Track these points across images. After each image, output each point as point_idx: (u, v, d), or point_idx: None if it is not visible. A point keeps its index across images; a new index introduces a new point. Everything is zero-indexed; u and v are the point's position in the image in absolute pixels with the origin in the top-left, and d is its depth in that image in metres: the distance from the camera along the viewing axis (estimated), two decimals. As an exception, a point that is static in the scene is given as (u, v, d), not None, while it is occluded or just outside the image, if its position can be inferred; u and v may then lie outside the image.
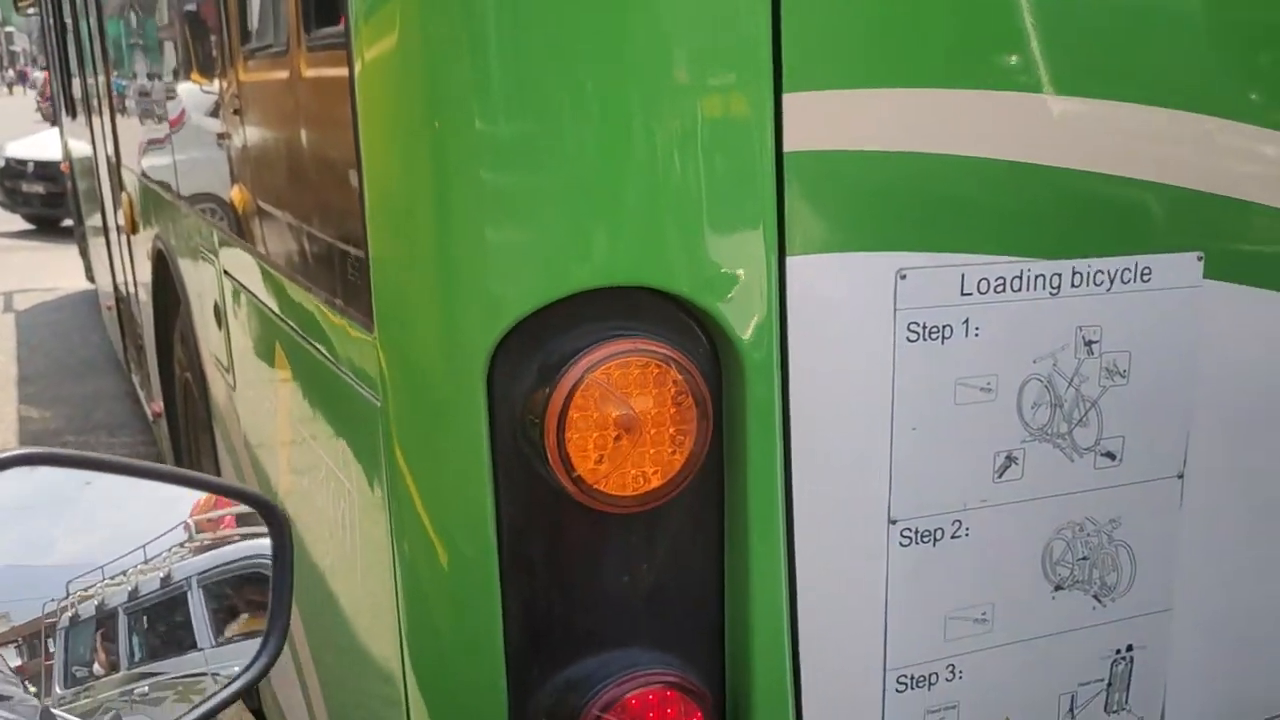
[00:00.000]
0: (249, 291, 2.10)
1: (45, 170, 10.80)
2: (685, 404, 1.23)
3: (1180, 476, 1.53)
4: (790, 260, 1.28)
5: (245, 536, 0.77)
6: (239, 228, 2.13)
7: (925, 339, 1.36)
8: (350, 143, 1.31)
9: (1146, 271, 1.44)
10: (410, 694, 1.34)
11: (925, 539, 1.41)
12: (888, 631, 1.42)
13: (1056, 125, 1.38)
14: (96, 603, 0.71)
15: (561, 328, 1.21)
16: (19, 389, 6.25)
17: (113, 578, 0.71)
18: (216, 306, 2.44)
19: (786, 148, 1.25)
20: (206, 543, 0.76)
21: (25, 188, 11.26)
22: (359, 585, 1.56)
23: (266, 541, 0.77)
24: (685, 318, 1.27)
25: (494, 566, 1.26)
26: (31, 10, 8.60)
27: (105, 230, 5.36)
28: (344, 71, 1.30)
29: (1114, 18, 1.38)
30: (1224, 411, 1.54)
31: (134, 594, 0.73)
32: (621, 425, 1.21)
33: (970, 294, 1.37)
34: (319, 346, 1.61)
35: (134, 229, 3.93)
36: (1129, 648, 1.56)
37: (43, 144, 11.09)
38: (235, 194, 2.15)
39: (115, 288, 5.33)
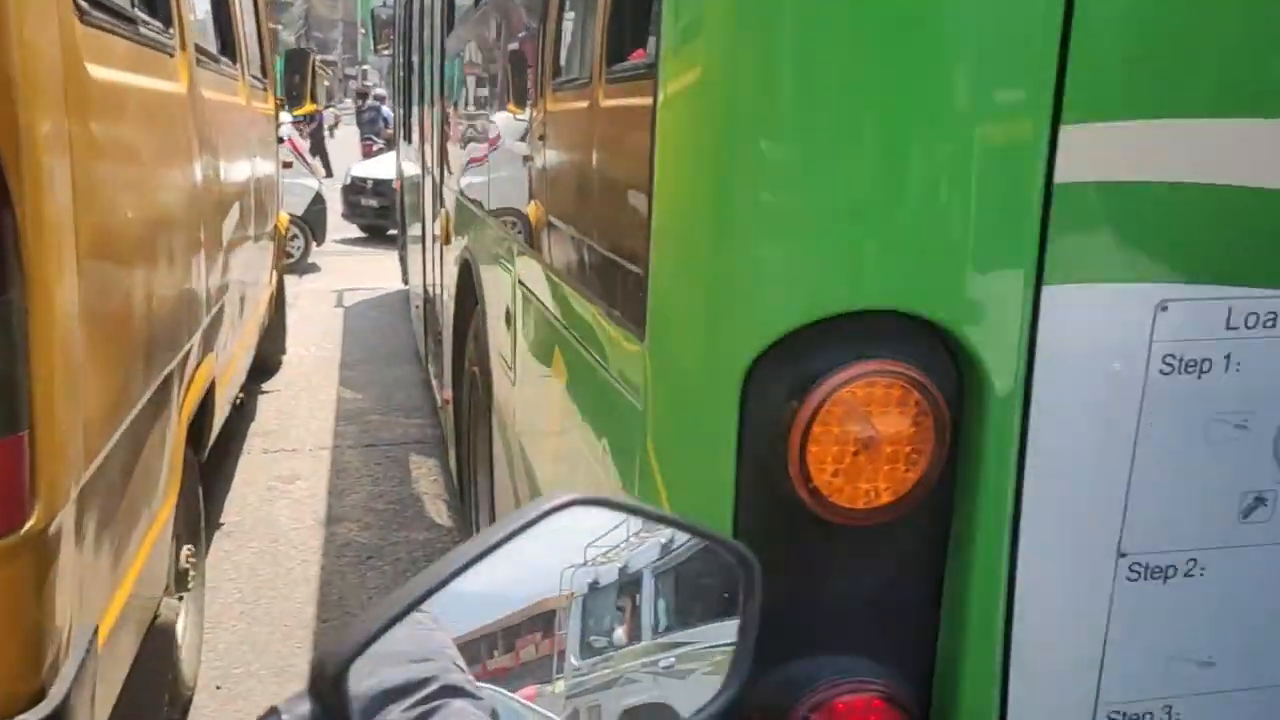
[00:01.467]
0: (538, 299, 2.20)
1: (380, 187, 11.80)
2: (925, 426, 1.20)
3: None
4: (1046, 290, 1.21)
5: None
6: (534, 242, 2.24)
7: (1181, 372, 1.26)
8: (643, 167, 1.34)
9: None
10: None
11: (1156, 575, 1.31)
12: (1104, 666, 1.33)
13: None
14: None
15: (815, 344, 1.19)
16: (340, 372, 6.80)
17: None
18: (508, 311, 2.57)
19: (1057, 179, 1.19)
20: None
21: (363, 201, 12.30)
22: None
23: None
24: (933, 341, 1.22)
25: None
26: (386, 51, 9.37)
27: (423, 240, 5.74)
28: (645, 100, 1.33)
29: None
30: None
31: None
32: (861, 442, 1.19)
33: (1236, 328, 1.25)
34: (593, 352, 1.67)
35: (447, 239, 4.20)
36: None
37: (380, 166, 12.10)
38: (533, 211, 2.26)
39: (425, 289, 5.70)
